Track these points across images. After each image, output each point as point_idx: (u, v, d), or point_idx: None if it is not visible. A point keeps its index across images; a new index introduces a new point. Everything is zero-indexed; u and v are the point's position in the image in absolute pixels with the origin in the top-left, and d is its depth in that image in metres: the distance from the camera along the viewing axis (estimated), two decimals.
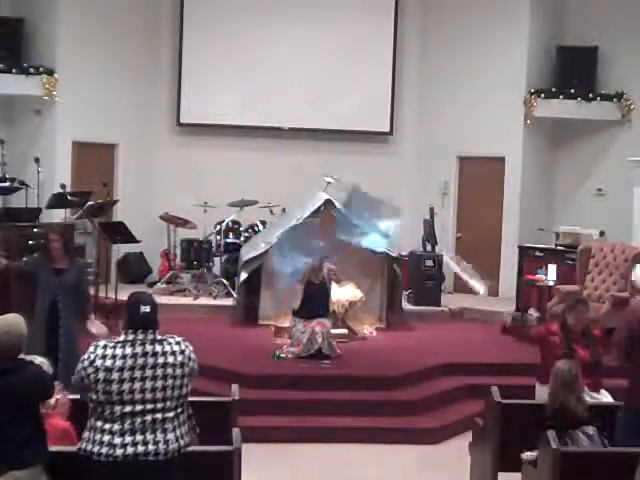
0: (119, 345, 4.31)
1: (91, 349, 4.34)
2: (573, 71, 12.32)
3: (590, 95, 12.22)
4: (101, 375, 4.24)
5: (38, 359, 4.80)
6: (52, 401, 4.76)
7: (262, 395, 7.81)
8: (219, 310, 10.90)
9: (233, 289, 11.16)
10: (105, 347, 4.32)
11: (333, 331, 9.05)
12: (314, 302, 8.94)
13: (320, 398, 7.93)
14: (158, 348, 4.32)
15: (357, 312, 10.07)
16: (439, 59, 13.08)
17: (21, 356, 4.49)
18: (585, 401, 5.53)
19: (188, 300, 11.27)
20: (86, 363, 4.30)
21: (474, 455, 6.40)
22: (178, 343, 4.40)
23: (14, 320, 4.50)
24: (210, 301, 11.29)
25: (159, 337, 4.37)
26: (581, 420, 5.41)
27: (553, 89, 12.38)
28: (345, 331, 9.70)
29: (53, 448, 4.54)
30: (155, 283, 12.06)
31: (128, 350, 4.28)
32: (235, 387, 5.76)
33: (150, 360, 4.28)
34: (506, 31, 12.50)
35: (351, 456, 7.30)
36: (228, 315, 10.59)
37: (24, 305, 7.49)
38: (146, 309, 4.34)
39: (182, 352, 4.37)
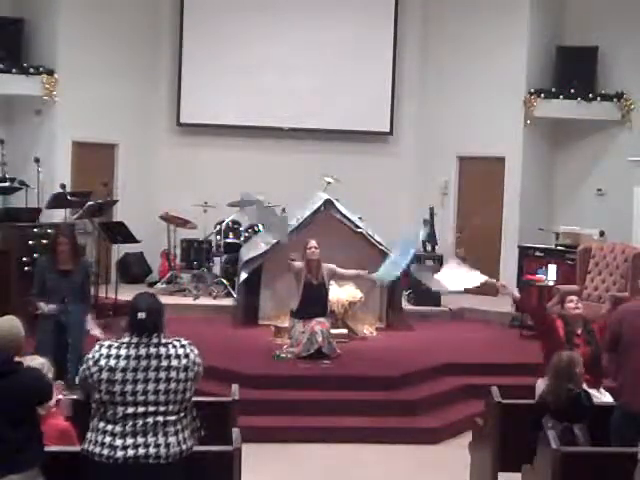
0: (124, 346, 4.31)
1: (96, 348, 4.35)
2: (573, 71, 12.32)
3: (590, 95, 12.22)
4: (104, 375, 4.24)
5: (38, 360, 4.81)
6: (52, 403, 4.75)
7: (262, 395, 7.81)
8: (219, 310, 10.90)
9: (233, 289, 11.16)
10: (110, 347, 4.32)
11: (333, 331, 9.06)
12: (312, 303, 8.94)
13: (320, 398, 7.92)
14: (162, 351, 4.31)
15: (357, 312, 10.08)
16: (439, 59, 13.08)
17: (20, 358, 4.50)
18: (576, 397, 5.53)
19: (188, 300, 11.28)
20: (90, 362, 4.30)
21: (474, 455, 6.40)
22: (183, 346, 4.39)
23: (11, 322, 4.50)
24: (210, 301, 11.29)
25: (164, 340, 4.37)
26: (565, 413, 5.44)
27: (553, 89, 12.38)
28: (345, 331, 9.69)
29: (53, 448, 4.54)
30: (155, 283, 12.08)
31: (132, 351, 4.28)
32: (235, 387, 5.76)
33: (153, 362, 4.27)
34: (506, 31, 12.50)
35: (351, 456, 7.29)
36: (228, 315, 10.59)
37: (24, 304, 7.52)
38: (142, 315, 4.32)
39: (187, 356, 4.35)
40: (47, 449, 4.46)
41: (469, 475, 6.42)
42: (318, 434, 7.55)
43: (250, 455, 5.17)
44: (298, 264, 9.08)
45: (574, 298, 6.75)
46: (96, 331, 7.27)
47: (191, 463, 4.39)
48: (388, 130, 13.32)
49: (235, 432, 4.98)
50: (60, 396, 4.94)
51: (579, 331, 6.57)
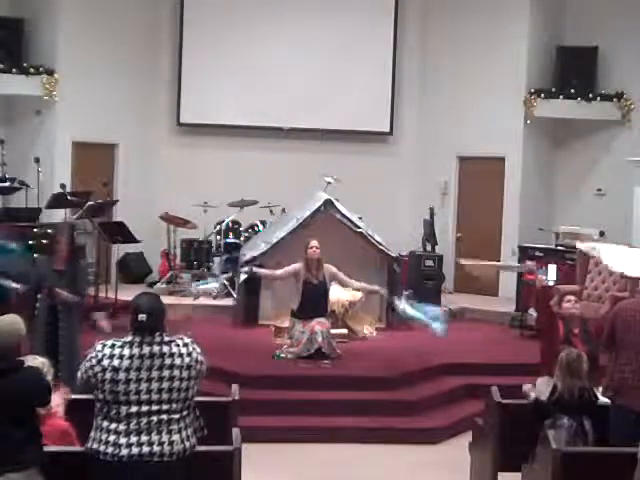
0: (126, 345, 4.31)
1: (98, 348, 4.34)
2: (573, 71, 12.33)
3: (590, 95, 12.22)
4: (108, 375, 4.24)
5: (39, 359, 4.80)
6: (53, 403, 4.75)
7: (262, 395, 7.80)
8: (219, 310, 10.90)
9: (233, 289, 11.16)
10: (113, 346, 4.32)
11: (333, 331, 9.05)
12: (312, 302, 8.93)
13: (320, 398, 7.93)
14: (165, 349, 4.32)
15: (357, 312, 10.07)
16: (439, 59, 13.09)
17: (21, 357, 4.49)
18: (587, 393, 5.56)
19: (188, 300, 11.27)
20: (94, 362, 4.30)
21: (474, 455, 6.40)
22: (186, 345, 4.40)
23: (12, 320, 4.49)
24: (210, 301, 11.29)
25: (167, 339, 4.37)
26: (577, 409, 5.46)
27: (553, 89, 12.38)
28: (345, 331, 9.69)
29: (53, 448, 4.54)
30: (155, 283, 12.07)
31: (135, 351, 4.29)
32: (235, 387, 5.77)
33: (157, 361, 4.28)
34: (506, 31, 12.51)
35: (351, 456, 7.29)
36: (228, 315, 10.59)
37: (24, 305, 7.50)
38: (143, 317, 4.33)
39: (189, 354, 4.37)
40: (47, 449, 4.46)
41: (469, 475, 6.42)
42: (318, 434, 7.55)
43: (250, 455, 5.17)
44: (297, 264, 9.08)
45: (572, 298, 6.76)
46: (104, 324, 7.27)
47: (191, 463, 4.39)
48: (388, 130, 13.31)
49: (235, 432, 4.99)
50: (56, 396, 4.93)
51: (576, 331, 6.58)
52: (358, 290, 9.62)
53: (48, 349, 6.89)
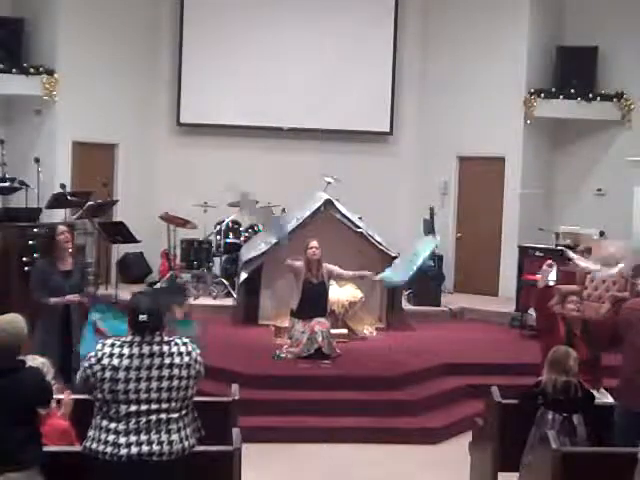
0: (126, 345, 4.32)
1: (99, 347, 4.35)
2: (573, 71, 12.33)
3: (590, 95, 12.22)
4: (107, 374, 4.25)
5: (39, 359, 4.80)
6: (53, 404, 4.75)
7: (262, 395, 7.81)
8: (219, 310, 10.90)
9: (233, 289, 11.16)
10: (112, 346, 4.33)
11: (333, 331, 9.05)
12: (312, 302, 8.93)
13: (320, 398, 7.93)
14: (165, 349, 4.33)
15: (357, 312, 10.07)
16: (439, 59, 13.09)
17: (20, 357, 4.49)
18: (569, 387, 5.56)
19: (188, 300, 11.26)
20: (93, 360, 4.31)
21: (474, 455, 6.40)
22: (185, 344, 4.42)
23: (13, 319, 4.49)
24: (210, 301, 11.29)
25: (166, 338, 4.38)
26: (561, 403, 5.47)
27: (553, 89, 12.38)
28: (345, 331, 9.69)
29: (53, 448, 4.54)
30: (155, 283, 12.07)
31: (135, 350, 4.30)
32: (235, 387, 5.77)
33: (156, 360, 4.29)
34: (506, 31, 12.51)
35: (351, 456, 7.30)
36: (228, 315, 10.59)
37: (24, 305, 7.51)
38: (143, 318, 4.33)
39: (188, 354, 4.38)
40: (47, 449, 4.47)
41: (469, 475, 6.42)
42: (318, 434, 7.55)
43: (250, 455, 5.18)
44: (298, 263, 9.08)
45: (575, 299, 6.75)
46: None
47: (191, 463, 4.39)
48: (388, 130, 13.32)
49: (235, 432, 4.99)
50: (62, 396, 4.94)
51: (577, 331, 6.57)
52: (350, 279, 9.60)
53: (62, 349, 6.93)
